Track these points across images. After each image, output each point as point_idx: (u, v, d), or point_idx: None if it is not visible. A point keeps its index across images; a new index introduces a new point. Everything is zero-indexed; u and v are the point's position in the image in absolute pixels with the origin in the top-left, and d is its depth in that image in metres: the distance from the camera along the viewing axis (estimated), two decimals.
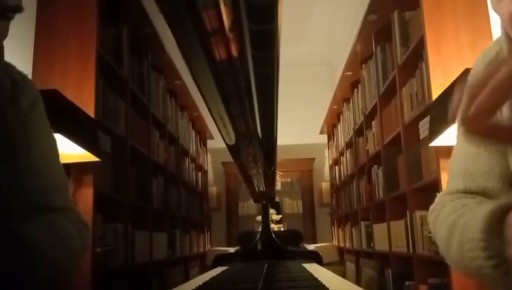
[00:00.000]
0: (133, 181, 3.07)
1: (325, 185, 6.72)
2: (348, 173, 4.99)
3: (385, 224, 3.34)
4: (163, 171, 3.92)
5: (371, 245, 3.87)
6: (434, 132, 1.90)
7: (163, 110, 4.00)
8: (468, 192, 0.84)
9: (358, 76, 4.32)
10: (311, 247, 4.52)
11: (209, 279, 1.06)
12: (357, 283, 2.54)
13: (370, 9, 3.27)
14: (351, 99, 4.75)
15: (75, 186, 2.23)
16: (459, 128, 0.66)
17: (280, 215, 4.61)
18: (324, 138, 6.65)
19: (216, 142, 6.23)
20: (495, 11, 0.76)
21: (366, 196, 4.13)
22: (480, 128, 0.50)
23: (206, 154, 6.48)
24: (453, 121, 0.55)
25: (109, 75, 2.68)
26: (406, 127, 2.89)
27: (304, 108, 6.58)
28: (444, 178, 2.25)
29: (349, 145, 4.96)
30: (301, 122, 6.50)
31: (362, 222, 4.25)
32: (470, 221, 0.67)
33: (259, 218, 1.99)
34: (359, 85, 4.31)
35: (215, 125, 0.77)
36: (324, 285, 0.79)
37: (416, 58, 2.68)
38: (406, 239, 2.87)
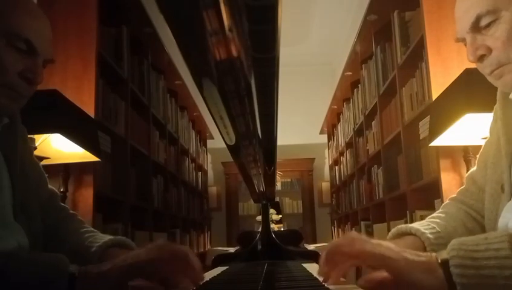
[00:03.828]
0: (133, 181, 3.07)
1: (325, 185, 6.71)
2: (348, 173, 4.99)
3: (385, 224, 3.34)
4: (163, 171, 3.92)
5: None
6: (434, 132, 1.90)
7: (163, 110, 4.00)
8: None
9: (358, 76, 4.32)
10: (311, 247, 4.51)
11: (209, 279, 1.06)
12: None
13: (370, 9, 3.27)
14: (351, 99, 4.75)
15: (75, 186, 2.23)
16: None
17: (280, 215, 4.60)
18: (324, 138, 6.65)
19: (216, 142, 6.23)
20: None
21: (366, 196, 4.13)
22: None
23: (206, 154, 6.48)
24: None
25: (109, 75, 2.68)
26: (406, 127, 2.88)
27: (304, 108, 6.58)
28: (444, 178, 2.25)
29: (349, 145, 4.96)
30: (301, 123, 6.50)
31: (362, 222, 4.24)
32: None
33: (259, 218, 1.98)
34: (359, 85, 4.31)
35: (215, 125, 0.77)
36: (324, 285, 0.79)
37: (416, 58, 2.68)
38: None
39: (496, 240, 0.63)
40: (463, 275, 0.62)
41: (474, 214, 1.05)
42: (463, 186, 1.12)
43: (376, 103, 3.60)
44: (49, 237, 1.00)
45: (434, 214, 1.07)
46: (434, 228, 0.98)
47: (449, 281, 0.63)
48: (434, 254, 0.67)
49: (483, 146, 1.07)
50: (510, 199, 0.89)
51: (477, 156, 1.09)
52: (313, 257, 1.67)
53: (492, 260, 0.61)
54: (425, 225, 0.99)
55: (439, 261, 0.65)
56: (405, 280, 0.65)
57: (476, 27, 0.89)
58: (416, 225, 1.00)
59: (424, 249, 0.93)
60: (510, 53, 0.86)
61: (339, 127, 5.67)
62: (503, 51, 0.86)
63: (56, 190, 1.14)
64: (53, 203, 1.09)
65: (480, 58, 0.90)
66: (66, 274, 0.69)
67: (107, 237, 0.99)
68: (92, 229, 1.08)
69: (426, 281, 0.64)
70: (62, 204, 1.13)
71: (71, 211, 1.13)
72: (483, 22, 0.87)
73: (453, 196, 1.12)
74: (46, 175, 1.11)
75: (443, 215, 1.06)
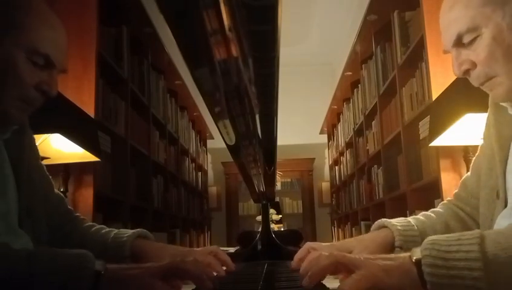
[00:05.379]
0: (133, 181, 3.07)
1: (325, 185, 6.71)
2: (348, 173, 4.99)
3: None
4: (163, 171, 3.91)
5: None
6: (434, 132, 1.90)
7: (163, 110, 4.00)
8: None
9: (358, 76, 4.32)
10: None
11: None
12: None
13: (370, 9, 3.27)
14: (351, 100, 4.75)
15: (75, 186, 2.23)
16: None
17: (280, 215, 4.60)
18: (324, 138, 6.65)
19: (216, 142, 6.23)
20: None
21: (366, 196, 4.13)
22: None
23: (206, 154, 6.47)
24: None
25: (109, 75, 2.68)
26: (406, 127, 2.88)
27: (304, 108, 6.58)
28: (444, 178, 2.25)
29: (349, 145, 4.96)
30: (301, 122, 6.50)
31: (362, 222, 4.24)
32: None
33: (259, 218, 1.98)
34: (359, 85, 4.31)
35: (215, 125, 0.77)
36: (324, 285, 0.79)
37: (416, 58, 2.68)
38: None
39: (467, 242, 0.64)
40: (434, 274, 0.63)
41: (462, 215, 1.08)
42: (456, 190, 1.15)
43: (376, 103, 3.60)
44: (57, 239, 1.01)
45: (422, 212, 1.12)
46: (409, 222, 1.05)
47: (422, 280, 0.64)
48: (407, 254, 0.68)
49: (477, 151, 1.08)
50: (505, 205, 0.90)
51: (473, 159, 1.10)
52: None
53: (462, 261, 0.62)
54: (400, 220, 1.06)
55: (413, 260, 0.66)
56: (384, 285, 0.66)
57: (459, 43, 0.90)
58: (394, 220, 1.06)
59: (393, 239, 1.01)
60: (495, 67, 0.86)
61: (339, 127, 5.67)
62: (488, 66, 0.87)
63: (62, 194, 1.16)
64: (62, 208, 1.11)
65: (466, 73, 0.92)
66: (92, 271, 0.68)
67: (129, 230, 1.04)
68: (103, 225, 1.10)
69: (403, 282, 0.66)
70: (69, 207, 1.15)
71: (76, 213, 1.14)
72: (465, 39, 0.88)
73: (449, 197, 1.15)
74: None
75: (428, 213, 1.11)
